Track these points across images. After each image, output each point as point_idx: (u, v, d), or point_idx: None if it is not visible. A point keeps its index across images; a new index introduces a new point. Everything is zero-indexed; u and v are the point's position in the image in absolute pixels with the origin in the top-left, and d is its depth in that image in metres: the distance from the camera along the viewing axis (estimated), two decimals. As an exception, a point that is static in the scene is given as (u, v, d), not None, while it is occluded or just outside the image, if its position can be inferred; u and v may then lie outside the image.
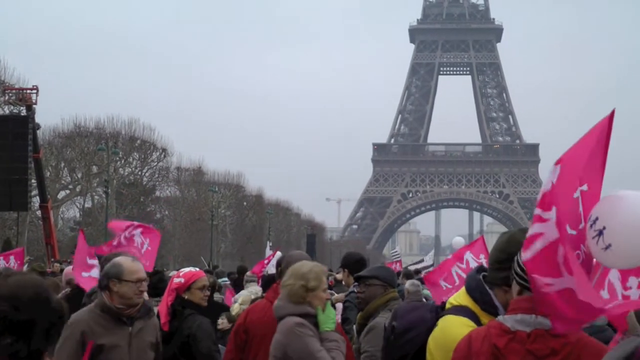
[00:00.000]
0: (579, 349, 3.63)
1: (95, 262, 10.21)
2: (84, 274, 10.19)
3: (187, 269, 8.11)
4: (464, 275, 8.43)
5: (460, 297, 4.32)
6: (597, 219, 3.43)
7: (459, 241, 19.33)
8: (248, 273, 16.65)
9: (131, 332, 6.55)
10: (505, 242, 4.13)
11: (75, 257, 10.54)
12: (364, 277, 7.60)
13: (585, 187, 3.58)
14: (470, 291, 4.27)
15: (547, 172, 3.57)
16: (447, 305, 4.37)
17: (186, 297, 7.73)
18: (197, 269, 8.35)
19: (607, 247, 3.37)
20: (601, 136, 3.57)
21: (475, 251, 9.71)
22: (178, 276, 7.89)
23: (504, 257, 4.07)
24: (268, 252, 22.54)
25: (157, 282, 9.81)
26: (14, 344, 3.06)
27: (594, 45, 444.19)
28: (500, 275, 4.10)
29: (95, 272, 10.06)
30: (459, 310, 4.24)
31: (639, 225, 3.34)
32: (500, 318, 3.81)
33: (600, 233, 3.39)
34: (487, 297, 4.16)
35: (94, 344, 6.31)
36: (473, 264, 9.16)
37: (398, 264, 28.89)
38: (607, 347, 3.65)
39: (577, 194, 3.55)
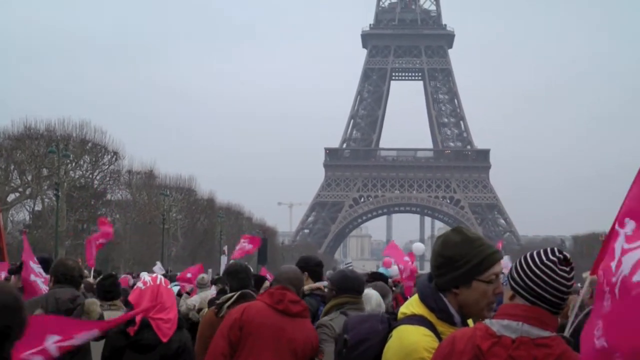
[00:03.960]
0: None
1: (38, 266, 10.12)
2: (32, 277, 10.08)
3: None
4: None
5: (413, 306, 4.29)
6: None
7: (420, 247, 19.59)
8: (198, 278, 16.58)
9: None
10: (441, 246, 4.22)
11: (25, 259, 10.41)
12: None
13: None
14: (424, 300, 4.26)
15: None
16: (400, 315, 4.34)
17: None
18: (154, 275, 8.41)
19: None
20: None
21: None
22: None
23: (442, 260, 4.18)
24: (224, 257, 22.87)
25: (109, 286, 9.86)
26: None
27: (544, 52, 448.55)
28: (444, 280, 4.17)
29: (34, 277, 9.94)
30: (414, 319, 4.21)
31: None
32: (487, 322, 3.81)
33: None
34: (443, 305, 4.18)
35: None
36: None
37: None
38: None
39: None
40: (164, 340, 7.28)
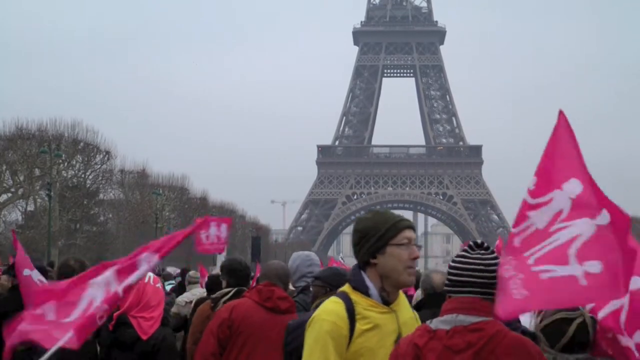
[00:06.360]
0: (495, 342, 3.74)
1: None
2: (27, 272, 10.01)
3: None
4: None
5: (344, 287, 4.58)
6: None
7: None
8: (190, 273, 16.51)
9: None
10: (355, 223, 4.54)
11: (21, 257, 10.36)
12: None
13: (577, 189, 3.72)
14: (347, 278, 4.59)
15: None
16: None
17: None
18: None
19: None
20: (565, 139, 3.75)
21: None
22: None
23: (359, 235, 4.44)
24: (219, 256, 22.26)
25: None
26: None
27: (537, 48, 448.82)
28: (363, 252, 4.43)
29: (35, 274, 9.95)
30: (335, 294, 4.51)
31: None
32: (427, 322, 3.98)
33: None
34: (358, 277, 4.42)
35: None
36: None
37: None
38: (525, 340, 3.79)
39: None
40: (144, 337, 7.30)
